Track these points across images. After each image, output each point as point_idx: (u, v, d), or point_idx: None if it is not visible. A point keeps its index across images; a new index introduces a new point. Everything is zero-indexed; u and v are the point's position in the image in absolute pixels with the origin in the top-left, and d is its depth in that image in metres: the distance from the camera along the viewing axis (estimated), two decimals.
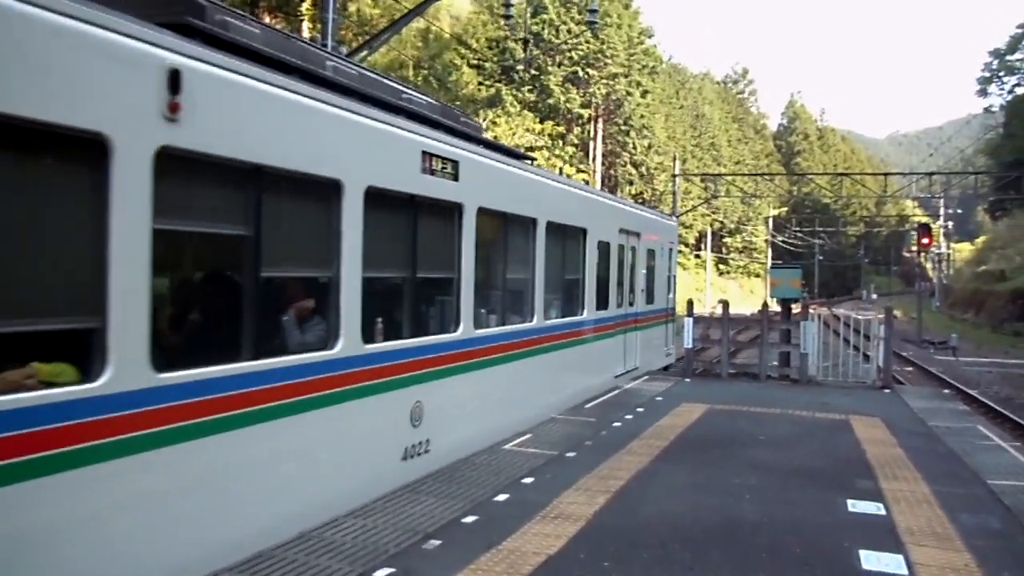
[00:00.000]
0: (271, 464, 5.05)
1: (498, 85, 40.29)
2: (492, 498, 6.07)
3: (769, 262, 78.12)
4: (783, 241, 76.46)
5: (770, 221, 76.27)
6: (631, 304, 13.19)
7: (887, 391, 12.59)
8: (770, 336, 14.04)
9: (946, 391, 15.08)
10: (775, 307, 15.81)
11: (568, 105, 43.22)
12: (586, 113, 45.57)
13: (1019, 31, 70.18)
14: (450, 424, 7.23)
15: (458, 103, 28.77)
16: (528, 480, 6.61)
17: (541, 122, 39.94)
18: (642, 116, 49.59)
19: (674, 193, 41.90)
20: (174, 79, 4.19)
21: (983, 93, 75.92)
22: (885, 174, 41.39)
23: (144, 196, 4.07)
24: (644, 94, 48.73)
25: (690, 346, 14.00)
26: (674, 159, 47.44)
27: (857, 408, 10.72)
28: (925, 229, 36.84)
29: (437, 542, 5.04)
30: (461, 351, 7.50)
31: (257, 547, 4.67)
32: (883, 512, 5.95)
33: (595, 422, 9.28)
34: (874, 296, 79.60)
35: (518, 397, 8.89)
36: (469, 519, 5.53)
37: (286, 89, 5.14)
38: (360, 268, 5.90)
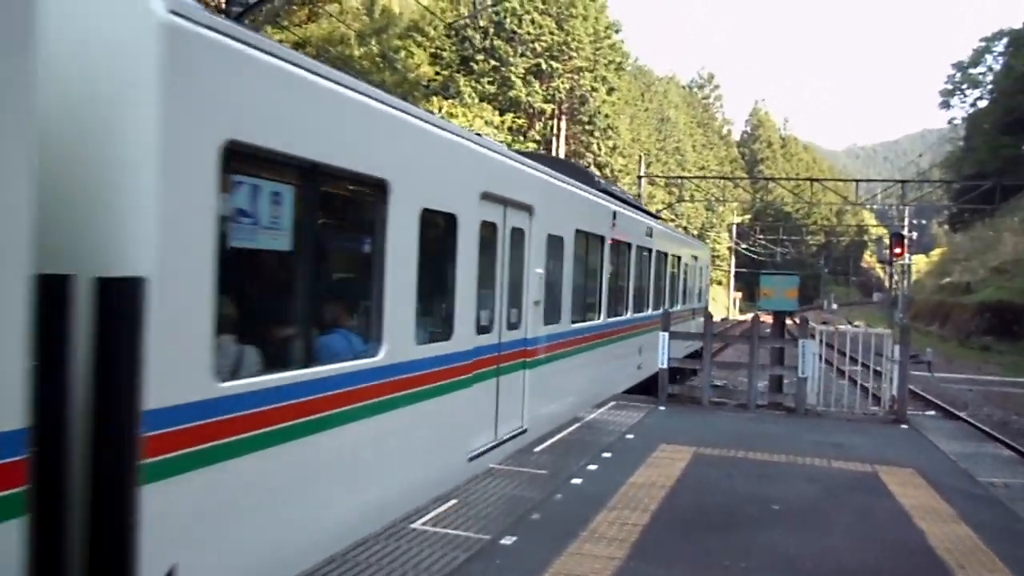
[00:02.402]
0: (621, 359, 12.73)
1: (456, 75, 37.66)
2: None
3: (732, 270, 76.87)
4: (746, 249, 75.17)
5: (734, 228, 74.87)
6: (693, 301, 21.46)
7: (904, 426, 10.35)
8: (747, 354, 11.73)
9: (961, 422, 13.00)
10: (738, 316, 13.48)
11: (530, 99, 40.73)
12: (549, 108, 43.15)
13: (982, 44, 70.30)
14: (647, 357, 13.30)
15: (406, 85, 26.06)
16: None
17: (501, 114, 37.34)
18: (607, 115, 47.25)
19: (639, 196, 39.90)
20: (614, 215, 11.71)
21: (946, 105, 75.91)
22: (856, 180, 39.91)
23: (608, 258, 11.52)
24: (610, 91, 46.42)
25: (665, 366, 11.60)
26: (639, 161, 45.41)
27: (880, 453, 8.44)
28: (898, 239, 35.44)
29: None
30: (651, 320, 13.94)
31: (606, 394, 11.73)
32: None
33: (546, 476, 6.83)
34: (834, 306, 78.72)
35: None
36: None
37: (622, 209, 12.41)
38: (633, 280, 13.23)
